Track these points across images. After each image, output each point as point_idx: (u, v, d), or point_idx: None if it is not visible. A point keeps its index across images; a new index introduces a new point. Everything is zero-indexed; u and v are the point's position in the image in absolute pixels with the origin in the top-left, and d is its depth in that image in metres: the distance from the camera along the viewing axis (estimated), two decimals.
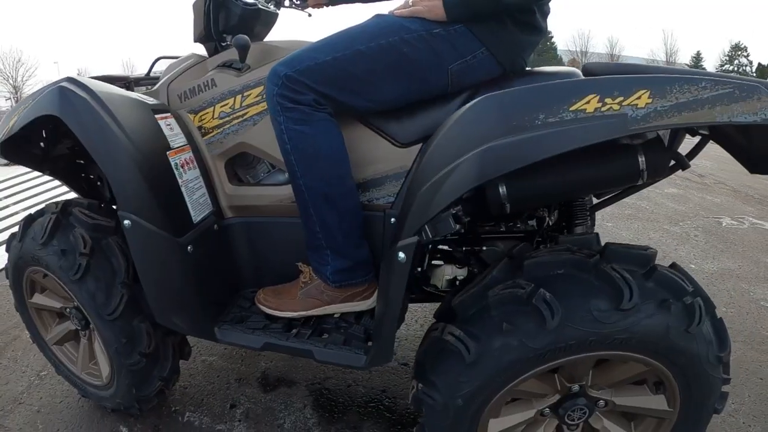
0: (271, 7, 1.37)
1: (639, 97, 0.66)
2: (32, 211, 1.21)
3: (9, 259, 1.23)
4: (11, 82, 31.62)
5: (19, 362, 1.54)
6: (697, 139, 1.00)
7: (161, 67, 1.42)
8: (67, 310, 1.22)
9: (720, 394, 0.84)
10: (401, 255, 0.77)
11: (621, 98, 0.67)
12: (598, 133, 0.67)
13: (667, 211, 3.11)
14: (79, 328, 1.22)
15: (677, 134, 1.06)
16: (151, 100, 1.08)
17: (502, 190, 0.86)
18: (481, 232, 1.18)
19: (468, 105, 0.75)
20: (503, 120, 0.70)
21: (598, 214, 2.91)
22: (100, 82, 1.01)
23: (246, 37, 1.07)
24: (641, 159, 0.83)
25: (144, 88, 1.44)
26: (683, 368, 0.79)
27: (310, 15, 1.43)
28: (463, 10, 0.88)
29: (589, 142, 0.67)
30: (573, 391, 0.86)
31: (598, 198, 1.30)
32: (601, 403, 0.88)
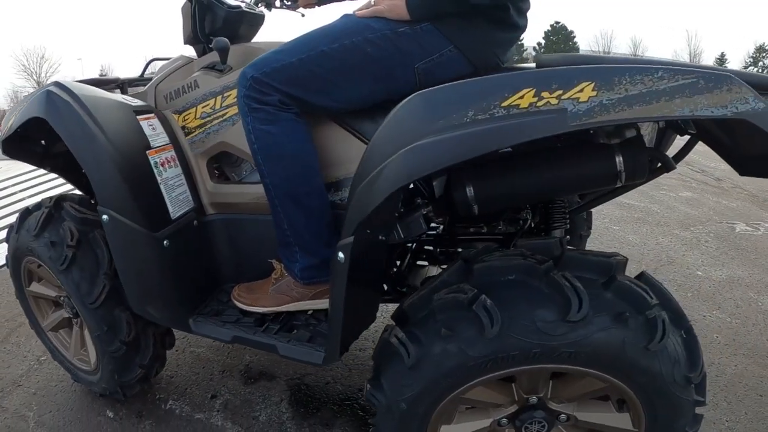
0: (262, 8, 1.40)
1: (581, 90, 0.61)
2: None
3: (8, 250, 1.31)
4: (35, 78, 32.13)
5: (22, 347, 1.64)
6: (688, 139, 0.95)
7: (156, 68, 1.47)
8: (61, 298, 1.29)
9: (693, 416, 0.78)
10: (340, 255, 0.77)
11: (560, 92, 0.62)
12: (533, 130, 0.62)
13: (679, 215, 2.98)
14: (71, 315, 1.29)
15: (665, 133, 1.01)
16: (134, 102, 1.12)
17: (470, 191, 0.84)
18: (460, 233, 1.17)
19: (401, 103, 0.73)
20: (430, 118, 0.67)
21: (605, 217, 2.85)
22: (86, 86, 1.06)
23: (225, 39, 1.09)
24: (618, 159, 0.79)
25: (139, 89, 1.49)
26: (644, 387, 0.73)
27: (303, 15, 1.44)
28: (426, 11, 0.87)
29: (522, 139, 0.63)
30: (531, 402, 0.83)
31: (582, 199, 1.26)
32: (563, 417, 0.84)
